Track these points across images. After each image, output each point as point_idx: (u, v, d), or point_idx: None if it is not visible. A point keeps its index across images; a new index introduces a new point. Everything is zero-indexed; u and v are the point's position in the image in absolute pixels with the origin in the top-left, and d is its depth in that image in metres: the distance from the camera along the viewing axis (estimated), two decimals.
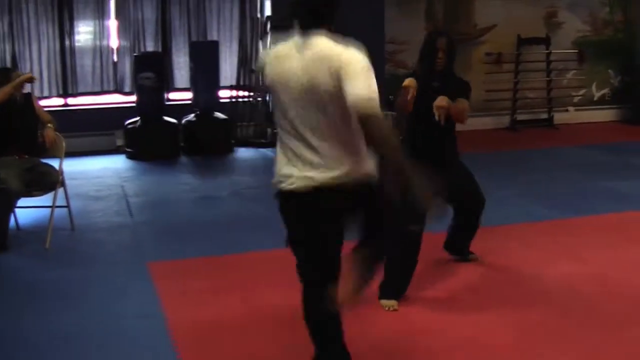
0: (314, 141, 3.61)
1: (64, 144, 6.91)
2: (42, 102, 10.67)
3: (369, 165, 3.68)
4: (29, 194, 6.69)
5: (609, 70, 13.48)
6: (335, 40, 3.61)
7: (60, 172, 6.85)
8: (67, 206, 7.08)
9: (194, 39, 11.36)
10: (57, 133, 6.84)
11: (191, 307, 5.26)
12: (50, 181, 6.75)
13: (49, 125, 6.76)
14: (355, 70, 3.48)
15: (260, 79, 4.23)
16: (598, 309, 5.13)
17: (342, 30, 3.70)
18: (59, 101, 11.15)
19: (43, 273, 6.01)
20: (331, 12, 3.71)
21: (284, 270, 5.89)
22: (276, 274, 5.84)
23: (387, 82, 11.22)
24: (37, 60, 10.92)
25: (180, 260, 6.27)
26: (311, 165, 3.62)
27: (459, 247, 6.06)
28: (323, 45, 3.59)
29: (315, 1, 3.70)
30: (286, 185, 3.69)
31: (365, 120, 3.41)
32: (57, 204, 6.86)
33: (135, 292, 5.57)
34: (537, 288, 5.53)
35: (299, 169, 3.65)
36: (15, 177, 6.45)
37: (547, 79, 12.97)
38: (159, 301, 5.34)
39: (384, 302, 5.26)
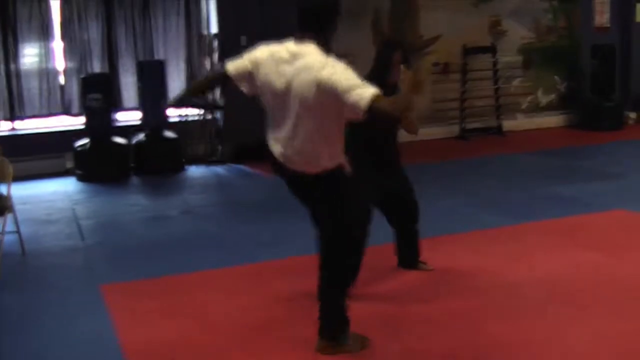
0: None
1: (10, 169, 6.84)
2: None
3: None
4: None
5: (555, 76, 13.66)
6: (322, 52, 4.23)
7: (8, 198, 6.78)
8: (17, 231, 7.02)
9: (140, 58, 11.31)
10: (3, 158, 6.78)
11: (145, 328, 5.24)
12: None
13: None
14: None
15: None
16: (545, 314, 5.20)
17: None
18: (7, 125, 11.04)
19: None
20: (321, 23, 4.32)
21: (237, 288, 5.95)
22: (229, 291, 5.87)
23: None
24: None
25: (132, 282, 6.23)
26: None
27: (409, 260, 6.11)
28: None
29: (306, 11, 4.33)
30: None
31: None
32: (7, 229, 6.80)
33: (87, 315, 5.53)
34: (486, 296, 5.58)
35: None
36: None
37: (495, 86, 13.10)
38: (112, 324, 5.31)
39: None
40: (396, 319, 5.21)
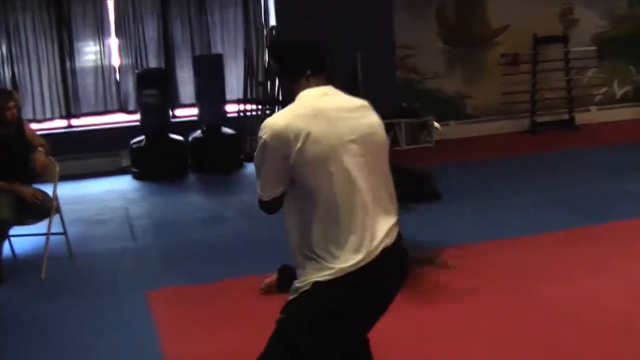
0: None
1: (57, 169, 6.55)
2: (45, 124, 10.52)
3: None
4: (22, 222, 6.38)
5: (630, 67, 13.07)
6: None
7: (54, 198, 6.51)
8: (64, 233, 6.75)
9: (197, 53, 11.09)
10: (49, 157, 6.51)
11: (189, 340, 4.91)
12: (44, 208, 6.41)
13: (39, 149, 6.42)
14: None
15: None
16: (630, 327, 4.71)
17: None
18: (63, 123, 10.92)
19: (35, 305, 5.70)
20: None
21: None
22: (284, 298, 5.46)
23: (399, 88, 10.93)
24: (38, 81, 10.73)
25: (181, 287, 5.92)
26: None
27: None
28: None
29: None
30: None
31: None
32: (55, 230, 6.54)
33: (130, 325, 5.22)
34: (560, 307, 5.10)
35: None
36: (6, 205, 6.12)
37: (567, 78, 12.57)
38: (157, 334, 4.99)
39: None
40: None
